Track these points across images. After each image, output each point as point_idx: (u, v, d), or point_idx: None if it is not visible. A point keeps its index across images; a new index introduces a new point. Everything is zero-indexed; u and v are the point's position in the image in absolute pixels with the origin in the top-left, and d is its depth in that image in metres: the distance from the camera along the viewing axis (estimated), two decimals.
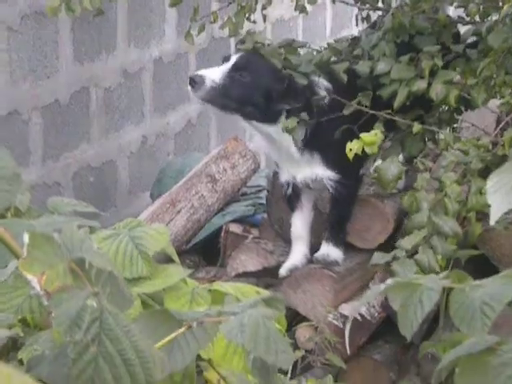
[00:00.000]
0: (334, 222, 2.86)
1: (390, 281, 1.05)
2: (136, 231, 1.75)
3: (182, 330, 1.23)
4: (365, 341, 2.73)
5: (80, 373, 1.03)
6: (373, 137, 2.27)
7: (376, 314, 2.75)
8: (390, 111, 2.63)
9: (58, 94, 3.63)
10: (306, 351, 2.56)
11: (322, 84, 2.76)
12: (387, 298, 1.08)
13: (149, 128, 4.11)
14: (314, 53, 2.91)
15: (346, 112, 2.64)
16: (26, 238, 1.05)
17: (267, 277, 2.96)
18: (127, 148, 4.00)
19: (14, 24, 3.41)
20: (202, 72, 2.68)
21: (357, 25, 3.19)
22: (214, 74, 2.65)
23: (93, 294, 1.08)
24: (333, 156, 2.74)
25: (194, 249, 3.42)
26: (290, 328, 2.68)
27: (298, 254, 2.90)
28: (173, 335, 1.22)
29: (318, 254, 2.85)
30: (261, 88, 2.68)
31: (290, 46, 2.90)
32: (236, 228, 3.29)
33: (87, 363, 1.03)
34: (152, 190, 3.88)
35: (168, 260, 1.82)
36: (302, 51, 2.93)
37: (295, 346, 2.61)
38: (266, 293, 1.62)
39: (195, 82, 2.62)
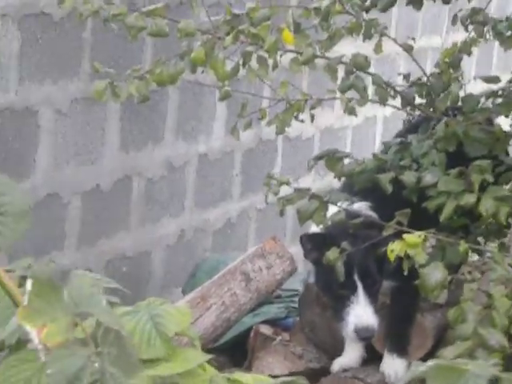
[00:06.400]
0: (396, 331, 2.78)
1: (430, 363, 0.93)
2: (157, 309, 1.66)
3: None
4: None
5: None
6: (416, 238, 2.17)
7: None
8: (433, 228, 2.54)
9: (100, 180, 3.61)
10: None
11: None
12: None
13: (188, 222, 4.05)
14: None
15: (385, 234, 2.57)
16: (28, 284, 0.96)
17: None
18: (164, 240, 3.94)
19: (63, 107, 3.42)
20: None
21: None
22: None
23: (96, 353, 0.98)
24: (387, 266, 2.67)
25: (222, 348, 3.29)
26: None
27: (354, 352, 2.80)
28: None
29: (385, 367, 2.76)
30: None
31: (333, 155, 2.88)
32: (266, 329, 3.17)
33: None
34: (184, 286, 3.79)
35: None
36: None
37: None
38: None
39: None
